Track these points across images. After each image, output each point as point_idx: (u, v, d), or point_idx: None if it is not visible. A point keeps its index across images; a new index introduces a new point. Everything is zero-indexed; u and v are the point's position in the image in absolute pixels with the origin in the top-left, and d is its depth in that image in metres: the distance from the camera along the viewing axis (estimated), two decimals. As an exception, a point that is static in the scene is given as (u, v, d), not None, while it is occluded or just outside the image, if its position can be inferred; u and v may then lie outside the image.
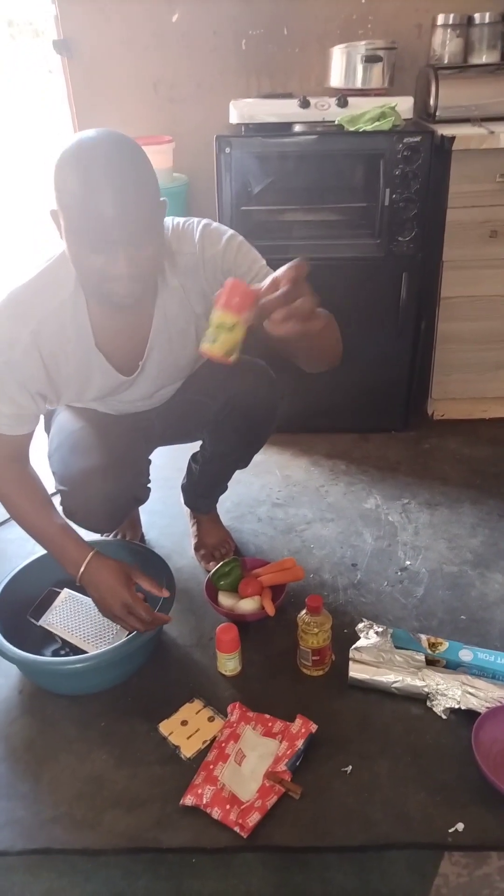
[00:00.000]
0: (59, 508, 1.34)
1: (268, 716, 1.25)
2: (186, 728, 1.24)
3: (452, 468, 2.01)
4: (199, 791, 1.12)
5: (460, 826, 1.08)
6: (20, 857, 1.07)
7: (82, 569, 1.25)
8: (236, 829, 1.07)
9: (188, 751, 1.20)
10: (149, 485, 1.51)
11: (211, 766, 1.16)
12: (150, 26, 2.12)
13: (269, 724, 1.24)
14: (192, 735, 1.22)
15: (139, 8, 2.09)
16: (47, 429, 1.48)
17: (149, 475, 1.52)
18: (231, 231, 1.20)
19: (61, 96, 2.28)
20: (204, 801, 1.10)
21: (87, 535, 1.36)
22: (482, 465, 2.02)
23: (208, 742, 1.21)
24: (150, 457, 1.55)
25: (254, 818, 1.08)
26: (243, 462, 1.54)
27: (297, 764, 1.16)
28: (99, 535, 1.58)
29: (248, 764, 1.17)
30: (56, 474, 1.36)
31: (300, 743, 1.18)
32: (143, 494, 1.50)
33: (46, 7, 2.13)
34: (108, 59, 2.17)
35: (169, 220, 1.18)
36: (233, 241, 1.18)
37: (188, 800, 1.11)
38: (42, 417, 1.49)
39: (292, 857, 1.05)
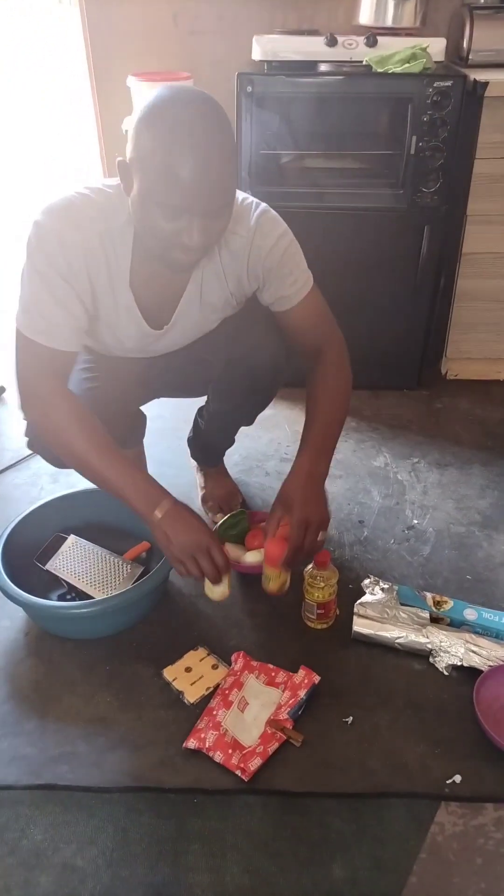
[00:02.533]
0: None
1: (271, 665, 1.26)
2: (190, 675, 1.25)
3: (464, 429, 1.99)
4: (203, 735, 1.14)
5: (458, 778, 1.09)
6: (26, 791, 1.09)
7: (166, 506, 1.15)
8: (237, 772, 1.09)
9: (192, 696, 1.21)
10: (139, 448, 1.49)
11: (214, 712, 1.18)
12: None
13: (273, 674, 1.25)
14: (195, 681, 1.24)
15: None
16: None
17: (140, 435, 1.49)
18: (284, 227, 1.18)
19: (76, 26, 2.17)
20: (207, 745, 1.12)
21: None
22: (494, 426, 2.00)
23: (212, 689, 1.22)
24: (158, 407, 1.52)
25: (255, 763, 1.10)
26: (247, 420, 1.53)
27: (300, 713, 1.18)
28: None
29: (250, 711, 1.19)
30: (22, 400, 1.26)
31: (303, 693, 1.19)
32: (129, 438, 1.48)
33: None
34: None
35: None
36: (283, 241, 1.17)
37: (191, 743, 1.13)
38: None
39: (292, 801, 1.08)
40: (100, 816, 1.06)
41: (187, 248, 1.01)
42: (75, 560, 1.44)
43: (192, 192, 0.94)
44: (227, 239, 1.14)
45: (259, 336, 1.30)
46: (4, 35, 2.43)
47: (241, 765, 1.10)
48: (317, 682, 1.22)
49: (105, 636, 1.34)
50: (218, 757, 1.11)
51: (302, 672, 1.23)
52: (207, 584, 1.25)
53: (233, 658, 1.28)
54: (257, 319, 1.30)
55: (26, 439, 1.36)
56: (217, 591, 1.26)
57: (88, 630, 1.34)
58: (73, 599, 1.38)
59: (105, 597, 1.34)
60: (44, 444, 1.27)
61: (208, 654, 1.28)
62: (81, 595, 1.38)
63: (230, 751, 1.12)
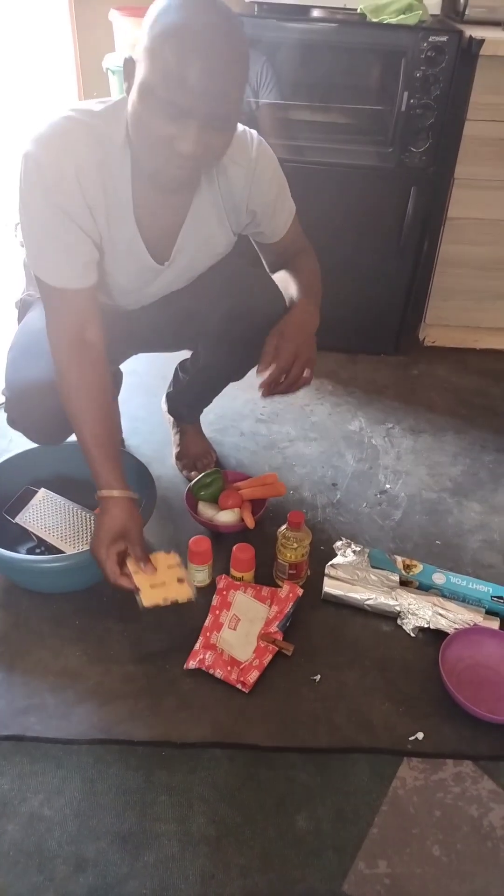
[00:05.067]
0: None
1: (254, 583, 1.32)
2: (152, 577, 1.15)
3: (439, 396, 2.00)
4: (201, 656, 1.20)
5: (420, 735, 1.13)
6: (-8, 742, 1.09)
7: (106, 494, 1.14)
8: (238, 686, 1.16)
9: (147, 600, 1.13)
10: (113, 405, 1.45)
11: (208, 634, 1.23)
12: None
13: (258, 589, 1.30)
14: (156, 585, 1.14)
15: None
16: (20, 321, 1.39)
17: (117, 382, 1.46)
18: (275, 160, 1.20)
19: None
20: (206, 664, 1.18)
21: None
22: (469, 395, 2.01)
23: (169, 603, 1.14)
24: (132, 363, 1.49)
25: (253, 675, 1.17)
26: (238, 375, 1.50)
27: (287, 625, 1.26)
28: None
29: (242, 627, 1.24)
30: (6, 377, 1.27)
31: (289, 606, 1.25)
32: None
33: None
34: None
35: None
36: (279, 173, 1.21)
37: (191, 664, 1.19)
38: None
39: (259, 755, 1.09)
40: (67, 767, 1.06)
41: (181, 157, 0.97)
42: (46, 514, 1.42)
43: (196, 93, 0.91)
44: (226, 167, 1.12)
45: (261, 288, 1.28)
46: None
47: (241, 678, 1.16)
48: (301, 594, 1.28)
49: (75, 591, 1.33)
50: (218, 674, 1.17)
51: (286, 586, 1.29)
52: (189, 571, 1.31)
53: (217, 579, 1.32)
54: (257, 273, 1.30)
55: (6, 416, 1.31)
56: (198, 578, 1.33)
57: (59, 584, 1.33)
58: (42, 553, 1.36)
59: (75, 552, 1.33)
60: (26, 421, 1.28)
61: (178, 565, 1.19)
62: (51, 549, 1.36)
63: (228, 668, 1.18)
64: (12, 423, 1.28)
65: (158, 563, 1.17)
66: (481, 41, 1.68)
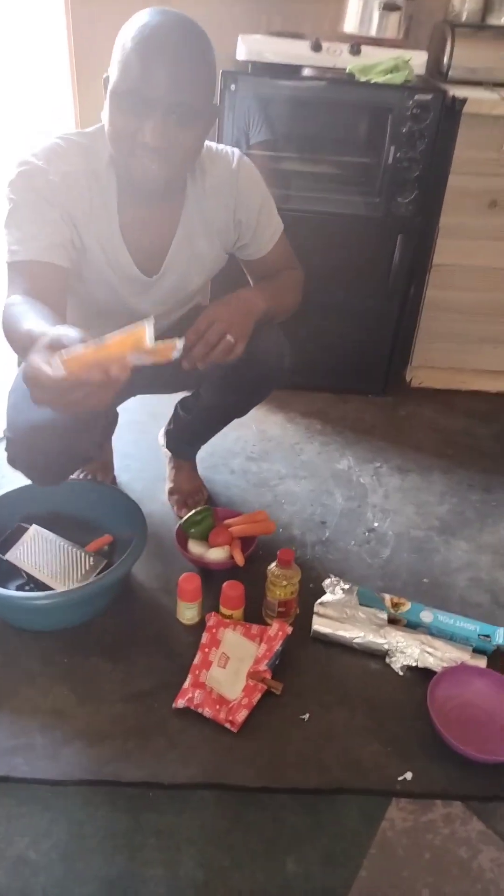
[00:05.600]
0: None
1: (243, 621, 1.32)
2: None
3: (426, 436, 2.04)
4: (190, 695, 1.19)
5: (409, 775, 1.12)
6: (-22, 782, 1.08)
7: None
8: (227, 725, 1.16)
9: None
10: (107, 444, 1.46)
11: (197, 672, 1.23)
12: None
13: (247, 627, 1.30)
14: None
15: None
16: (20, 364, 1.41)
17: (110, 433, 1.47)
18: (258, 173, 1.27)
19: (58, 10, 2.14)
20: (195, 703, 1.18)
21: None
22: (456, 435, 2.05)
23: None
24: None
25: (242, 714, 1.17)
26: (242, 413, 1.52)
27: (276, 663, 1.26)
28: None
29: (231, 665, 1.25)
30: (7, 417, 1.26)
31: (278, 644, 1.25)
32: (95, 454, 1.45)
33: None
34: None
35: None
36: (262, 184, 1.27)
37: (180, 703, 1.19)
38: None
39: (247, 796, 1.09)
40: (55, 809, 1.05)
41: (147, 148, 1.02)
42: (36, 550, 1.42)
43: (155, 82, 0.98)
44: (209, 182, 1.19)
45: (265, 333, 1.29)
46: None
47: (230, 718, 1.16)
48: (290, 632, 1.28)
49: (64, 628, 1.33)
50: (206, 713, 1.17)
51: (275, 624, 1.29)
52: (179, 608, 1.34)
53: (206, 617, 1.33)
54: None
55: (7, 456, 1.27)
56: (187, 616, 1.35)
57: (48, 622, 1.33)
58: (31, 590, 1.36)
59: (65, 589, 1.33)
60: (23, 459, 1.23)
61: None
62: (41, 586, 1.36)
63: (217, 706, 1.18)
64: (13, 463, 1.28)
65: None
66: (464, 100, 1.77)
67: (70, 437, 1.17)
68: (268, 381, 1.40)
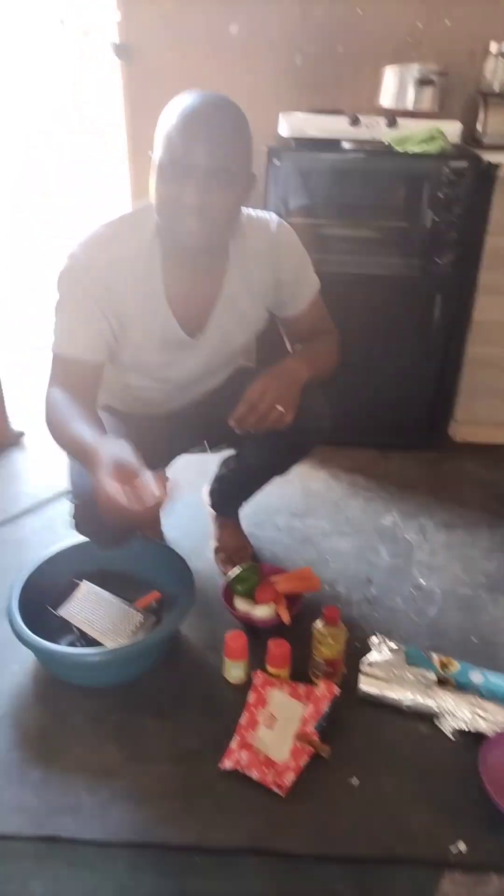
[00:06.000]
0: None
1: (289, 681, 1.32)
2: None
3: (471, 491, 2.03)
4: (237, 756, 1.19)
5: (462, 846, 1.09)
6: (28, 843, 1.09)
7: (91, 459, 1.04)
8: (274, 788, 1.15)
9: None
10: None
11: (244, 733, 1.23)
12: (208, 36, 2.15)
13: (294, 686, 1.30)
14: None
15: (200, 19, 2.12)
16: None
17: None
18: (295, 234, 1.34)
19: (117, 95, 2.31)
20: (242, 765, 1.18)
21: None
22: (501, 489, 2.03)
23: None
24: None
25: (289, 778, 1.16)
26: (283, 471, 1.56)
27: (324, 725, 1.24)
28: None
29: (278, 727, 1.24)
30: (72, 484, 1.34)
31: (326, 705, 1.24)
32: (157, 521, 1.50)
33: (108, 11, 2.17)
34: (164, 64, 2.19)
35: (243, 210, 1.26)
36: (300, 245, 1.34)
37: (227, 764, 1.19)
38: None
39: (295, 863, 1.07)
40: (101, 872, 1.05)
41: (189, 210, 1.10)
42: (87, 606, 1.46)
43: (193, 150, 1.07)
44: (250, 245, 1.26)
45: (306, 394, 1.32)
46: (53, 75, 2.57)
47: (278, 781, 1.16)
48: (337, 693, 1.26)
49: (113, 685, 1.35)
50: (254, 775, 1.17)
51: (322, 685, 1.28)
52: (226, 667, 1.35)
53: (253, 675, 1.32)
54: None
55: (73, 521, 1.33)
56: (233, 675, 1.36)
57: (98, 678, 1.35)
58: (82, 646, 1.39)
59: (115, 645, 1.36)
60: (88, 524, 1.29)
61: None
62: (91, 642, 1.39)
63: (264, 769, 1.17)
64: (78, 528, 1.33)
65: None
66: (497, 165, 1.83)
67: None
68: (309, 441, 1.44)
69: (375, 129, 1.93)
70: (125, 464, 1.02)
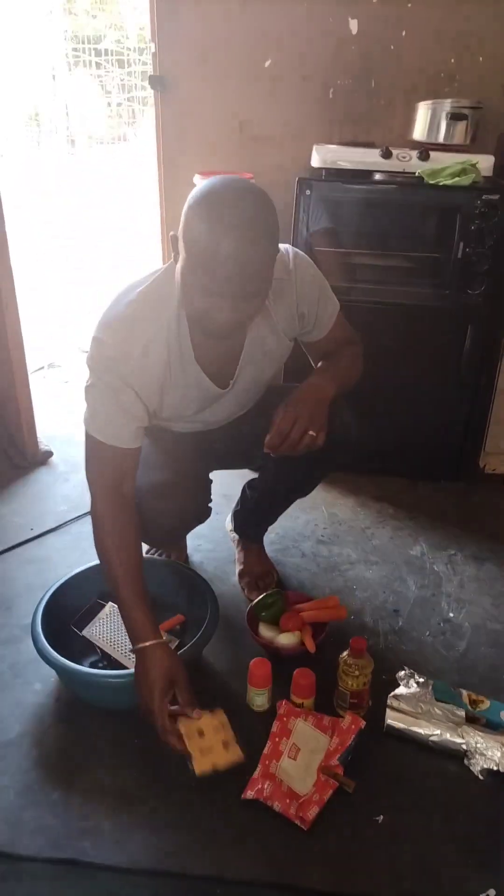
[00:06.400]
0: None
1: (314, 711, 1.29)
2: (202, 741, 1.14)
3: (502, 523, 1.99)
4: (259, 786, 1.17)
5: (492, 893, 1.05)
6: (46, 865, 1.07)
7: (141, 646, 1.19)
8: (297, 822, 1.13)
9: (199, 767, 1.11)
10: (210, 504, 1.52)
11: (267, 762, 1.21)
12: (243, 69, 2.21)
13: (319, 717, 1.27)
14: (205, 751, 1.13)
15: (235, 52, 2.19)
16: None
17: (210, 495, 1.53)
18: (309, 260, 1.31)
19: (150, 126, 2.38)
20: (265, 795, 1.16)
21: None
22: (532, 523, 2.00)
23: (219, 770, 1.13)
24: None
25: (313, 811, 1.13)
26: (306, 491, 1.56)
27: (349, 758, 1.21)
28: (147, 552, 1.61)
29: (302, 758, 1.22)
30: None
31: (351, 738, 1.21)
32: (206, 512, 1.50)
33: (145, 44, 2.24)
34: (198, 96, 2.26)
35: None
36: (318, 275, 1.32)
37: (249, 794, 1.16)
38: None
39: (317, 901, 1.04)
40: (120, 899, 1.03)
41: (220, 323, 1.09)
42: (111, 628, 1.46)
43: (225, 277, 1.02)
44: (273, 287, 1.21)
45: (333, 406, 1.33)
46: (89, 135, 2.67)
47: (300, 814, 1.13)
48: (363, 726, 1.23)
49: (135, 708, 1.34)
50: (277, 806, 1.15)
51: (348, 717, 1.25)
52: (249, 694, 1.34)
53: (277, 704, 1.30)
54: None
55: None
56: (257, 703, 1.35)
57: (120, 700, 1.34)
58: (105, 667, 1.38)
59: (138, 668, 1.35)
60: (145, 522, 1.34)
61: (223, 726, 1.18)
62: (114, 664, 1.39)
63: (287, 800, 1.15)
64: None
65: (205, 726, 1.16)
66: (531, 198, 1.83)
67: (189, 496, 1.35)
68: (336, 452, 1.43)
69: (407, 162, 1.95)
70: (175, 685, 1.17)
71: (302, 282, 1.28)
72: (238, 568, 1.71)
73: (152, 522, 1.35)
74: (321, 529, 1.94)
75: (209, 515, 1.54)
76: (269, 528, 1.74)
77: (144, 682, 1.17)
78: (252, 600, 1.56)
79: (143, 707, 1.18)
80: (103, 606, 1.49)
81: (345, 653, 1.32)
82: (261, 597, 1.53)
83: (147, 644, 1.19)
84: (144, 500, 1.33)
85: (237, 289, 1.04)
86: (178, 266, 1.10)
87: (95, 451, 1.24)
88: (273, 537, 1.85)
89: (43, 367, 2.98)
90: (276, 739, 1.24)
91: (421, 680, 1.36)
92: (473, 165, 1.90)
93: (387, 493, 2.11)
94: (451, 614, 1.64)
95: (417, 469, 2.20)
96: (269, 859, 1.08)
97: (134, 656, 1.23)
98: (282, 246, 1.28)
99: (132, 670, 1.32)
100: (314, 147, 2.03)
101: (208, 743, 1.15)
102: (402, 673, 1.39)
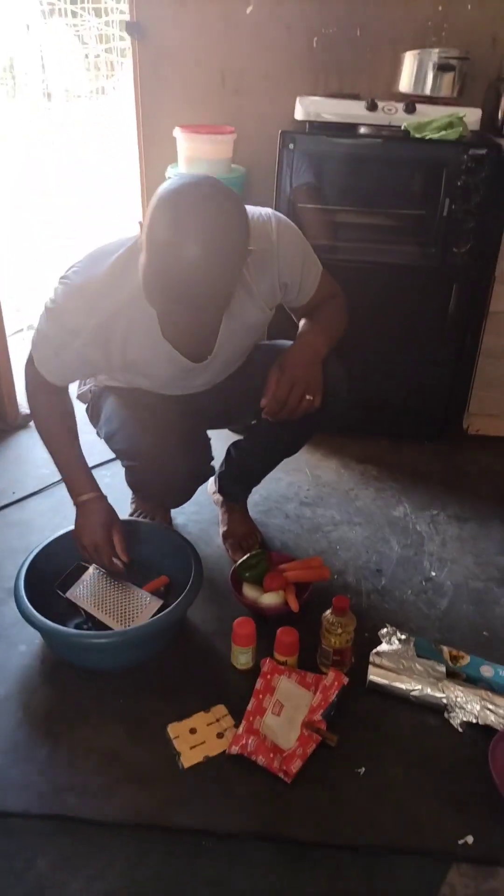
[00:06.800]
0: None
1: (298, 669, 1.31)
2: (193, 737, 1.21)
3: (485, 484, 2.01)
4: (244, 741, 1.19)
5: (470, 838, 1.08)
6: (34, 820, 1.09)
7: (83, 498, 1.37)
8: (280, 775, 1.15)
9: (187, 761, 1.17)
10: (212, 462, 1.49)
11: (251, 719, 1.22)
12: (223, 16, 2.12)
13: (303, 675, 1.29)
14: (195, 746, 1.20)
15: (215, -3, 2.10)
16: (94, 417, 1.49)
17: (211, 453, 1.50)
18: (296, 228, 1.26)
19: (128, 79, 2.30)
20: (249, 750, 1.17)
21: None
22: (514, 483, 2.01)
23: (209, 759, 1.18)
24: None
25: (296, 765, 1.15)
26: (293, 450, 1.55)
27: (332, 714, 1.23)
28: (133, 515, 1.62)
29: (285, 714, 1.23)
30: (122, 451, 1.40)
31: (333, 694, 1.23)
32: (208, 471, 1.48)
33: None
34: (177, 45, 2.17)
35: None
36: (302, 244, 1.27)
37: (234, 749, 1.18)
38: (85, 407, 1.52)
39: (300, 850, 1.06)
40: (108, 851, 1.05)
41: (179, 328, 1.09)
42: (95, 590, 1.45)
43: (184, 285, 0.99)
44: (252, 258, 1.16)
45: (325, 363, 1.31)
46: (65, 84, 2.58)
47: (283, 767, 1.15)
48: (346, 683, 1.25)
49: (120, 669, 1.35)
50: (261, 761, 1.16)
51: (331, 674, 1.27)
52: (233, 653, 1.36)
53: (262, 662, 1.32)
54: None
55: (130, 483, 1.53)
56: (241, 661, 1.35)
57: (105, 661, 1.35)
58: (89, 629, 1.39)
59: (121, 628, 1.35)
60: (146, 486, 1.50)
61: (217, 720, 1.24)
62: (99, 625, 1.39)
63: (271, 755, 1.17)
64: (140, 488, 1.51)
65: (197, 724, 1.23)
66: (519, 153, 1.79)
67: (192, 455, 1.39)
68: (323, 415, 1.42)
69: (393, 115, 1.90)
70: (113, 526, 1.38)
71: (285, 252, 1.23)
72: (222, 529, 1.71)
73: (156, 483, 1.38)
74: (305, 491, 1.94)
75: (212, 473, 1.53)
76: (253, 491, 1.73)
77: (87, 524, 1.37)
78: (236, 561, 1.56)
79: (89, 545, 1.37)
80: (86, 569, 1.48)
81: (328, 611, 1.33)
82: (244, 557, 1.53)
83: (88, 496, 1.37)
84: (149, 461, 1.34)
85: (196, 297, 1.01)
86: (141, 259, 1.05)
87: (32, 371, 1.30)
88: (257, 499, 1.85)
89: (22, 330, 2.91)
90: (260, 696, 1.26)
91: (403, 637, 1.38)
92: (460, 118, 1.85)
93: (371, 455, 2.11)
94: (434, 573, 1.65)
95: (401, 430, 2.20)
96: (253, 812, 1.10)
97: (119, 620, 1.25)
98: (264, 212, 1.24)
99: (118, 630, 1.34)
100: (298, 99, 1.96)
101: (200, 738, 1.21)
102: (384, 630, 1.40)
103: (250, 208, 1.21)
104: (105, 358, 1.23)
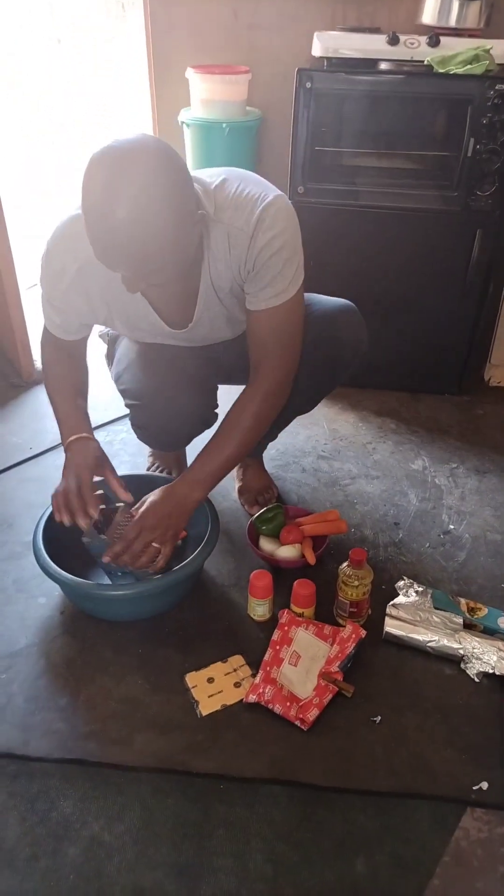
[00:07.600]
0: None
1: (315, 621, 1.32)
2: (211, 686, 1.23)
3: (505, 437, 1.97)
4: (261, 690, 1.20)
5: (484, 785, 1.09)
6: (57, 764, 1.12)
7: (72, 438, 1.29)
8: (297, 723, 1.16)
9: (205, 709, 1.19)
10: (216, 409, 1.48)
11: (268, 669, 1.24)
12: None
13: (320, 627, 1.30)
14: (213, 695, 1.21)
15: None
16: (109, 358, 1.49)
17: (217, 400, 1.49)
18: (287, 224, 1.13)
19: (138, 18, 2.20)
20: (266, 698, 1.19)
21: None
22: (536, 436, 1.97)
23: (226, 707, 1.20)
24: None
25: (313, 714, 1.17)
26: (309, 406, 1.52)
27: (349, 665, 1.24)
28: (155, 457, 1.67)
29: (302, 664, 1.24)
30: (127, 391, 1.39)
31: (351, 647, 1.24)
32: (211, 418, 1.47)
33: None
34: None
35: (234, 184, 1.12)
36: (279, 239, 1.12)
37: (251, 697, 1.19)
38: (105, 346, 1.51)
39: (317, 794, 1.08)
40: (127, 795, 1.07)
41: (126, 284, 1.05)
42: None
43: (115, 245, 0.97)
44: (230, 232, 1.12)
45: (343, 312, 1.29)
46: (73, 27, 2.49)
47: (300, 716, 1.16)
48: (363, 635, 1.27)
49: (139, 620, 1.36)
50: (277, 709, 1.18)
51: (349, 626, 1.28)
52: (251, 605, 1.36)
53: (279, 613, 1.33)
54: (337, 301, 1.36)
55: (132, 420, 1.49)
56: (259, 612, 1.36)
57: (123, 612, 1.36)
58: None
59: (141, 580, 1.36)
60: (146, 428, 1.46)
61: (234, 670, 1.26)
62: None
63: (288, 703, 1.18)
64: (143, 428, 1.45)
65: (215, 673, 1.25)
66: (549, 88, 1.70)
67: (194, 396, 1.36)
68: (341, 369, 1.39)
69: (416, 49, 1.80)
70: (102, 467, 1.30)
71: (259, 240, 1.11)
72: (237, 485, 1.70)
73: (157, 423, 1.36)
74: (322, 445, 1.92)
75: (216, 420, 1.49)
76: (270, 445, 1.72)
77: (73, 464, 1.27)
78: (253, 515, 1.56)
79: (58, 494, 1.27)
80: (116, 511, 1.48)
81: (344, 563, 1.33)
82: (261, 511, 1.53)
83: (78, 436, 1.28)
84: (151, 399, 1.33)
85: (131, 257, 0.98)
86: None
87: (44, 326, 1.31)
88: (273, 453, 1.84)
89: (36, 284, 2.89)
90: (277, 647, 1.27)
91: (420, 589, 1.38)
92: (487, 51, 1.76)
93: (388, 408, 2.08)
94: (452, 526, 1.64)
95: (420, 382, 2.16)
96: (271, 757, 1.12)
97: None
98: (256, 193, 1.12)
99: (136, 583, 1.34)
100: (315, 34, 1.87)
101: (218, 687, 1.23)
102: (401, 583, 1.40)
103: (260, 185, 1.15)
104: (90, 308, 1.23)
